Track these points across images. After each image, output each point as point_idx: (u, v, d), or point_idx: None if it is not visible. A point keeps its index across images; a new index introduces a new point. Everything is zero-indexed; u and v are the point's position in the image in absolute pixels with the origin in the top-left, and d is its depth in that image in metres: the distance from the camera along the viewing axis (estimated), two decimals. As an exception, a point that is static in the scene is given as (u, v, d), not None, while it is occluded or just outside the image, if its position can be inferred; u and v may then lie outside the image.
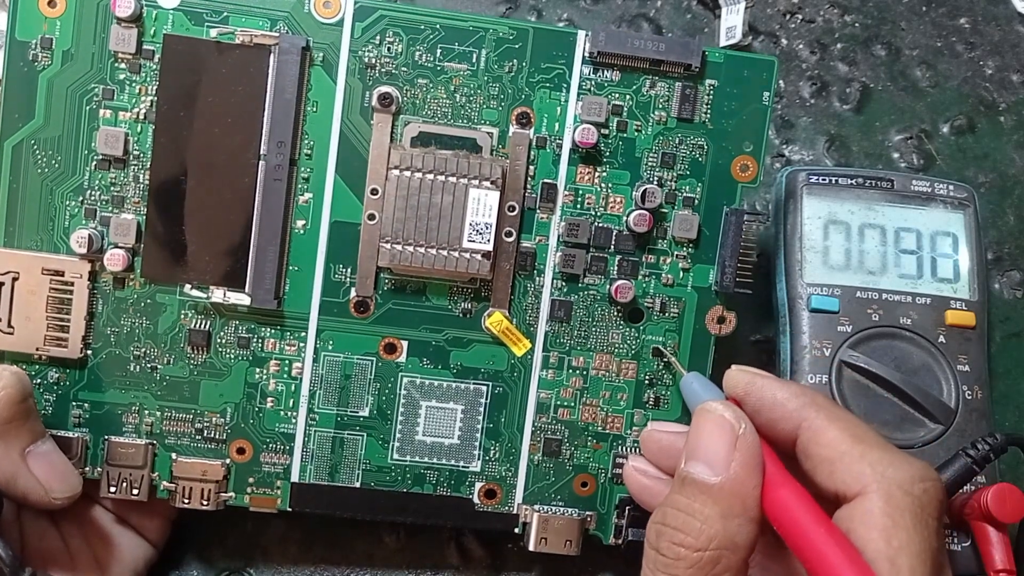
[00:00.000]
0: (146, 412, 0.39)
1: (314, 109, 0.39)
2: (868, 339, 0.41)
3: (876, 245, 0.42)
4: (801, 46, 0.46)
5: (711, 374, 0.41)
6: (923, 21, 0.46)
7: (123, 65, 0.38)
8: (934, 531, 0.30)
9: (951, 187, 0.43)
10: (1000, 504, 0.37)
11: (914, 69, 0.46)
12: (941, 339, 0.41)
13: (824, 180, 0.43)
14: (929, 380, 0.41)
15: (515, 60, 0.39)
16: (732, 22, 0.44)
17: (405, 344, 0.40)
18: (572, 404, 0.41)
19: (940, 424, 0.41)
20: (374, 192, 0.39)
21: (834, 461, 0.32)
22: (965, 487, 0.38)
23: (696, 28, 0.47)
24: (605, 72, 0.39)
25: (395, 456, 0.40)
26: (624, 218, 0.40)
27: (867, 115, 0.47)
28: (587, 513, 0.41)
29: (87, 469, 0.39)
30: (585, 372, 0.41)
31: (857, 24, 0.46)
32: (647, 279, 0.40)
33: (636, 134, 0.40)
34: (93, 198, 0.39)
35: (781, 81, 0.47)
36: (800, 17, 0.46)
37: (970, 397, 0.41)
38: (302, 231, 0.39)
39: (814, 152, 0.46)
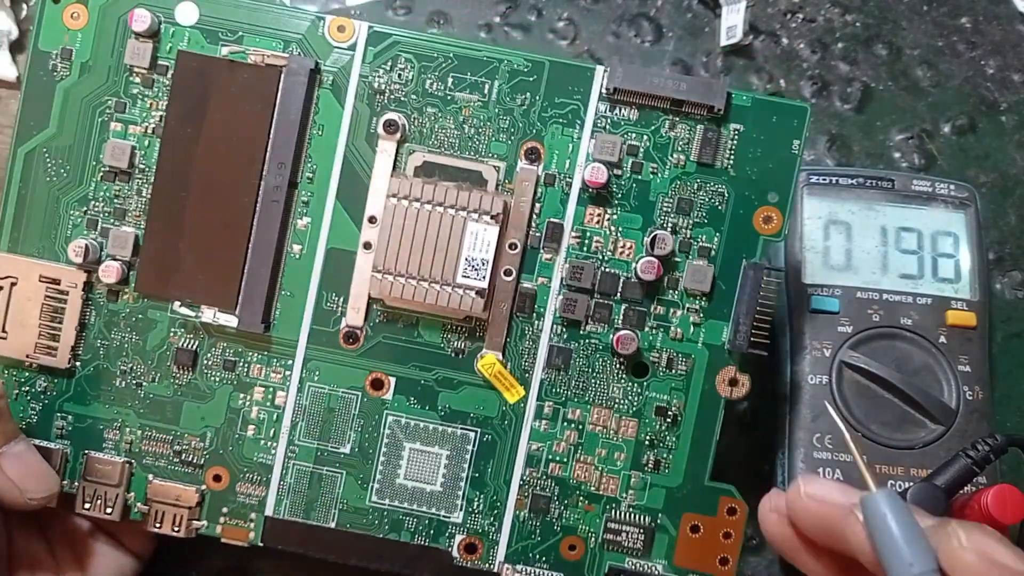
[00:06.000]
0: (127, 429, 0.39)
1: (319, 133, 0.38)
2: (869, 339, 0.40)
3: (877, 245, 0.42)
4: (802, 45, 0.46)
5: (719, 439, 0.38)
6: (924, 21, 0.46)
7: (137, 79, 0.38)
8: None
9: (952, 187, 0.42)
10: (1000, 505, 0.35)
11: (915, 69, 0.46)
12: (942, 339, 0.41)
13: (825, 180, 0.42)
14: (930, 381, 0.40)
15: (528, 93, 0.38)
16: (733, 21, 0.43)
17: (393, 380, 0.38)
18: (565, 460, 0.38)
19: (941, 425, 0.40)
20: (372, 220, 0.38)
21: None
22: (965, 488, 0.37)
23: (697, 27, 0.46)
24: (622, 110, 0.37)
25: (373, 498, 0.38)
26: (633, 265, 0.37)
27: (868, 115, 0.46)
28: (574, 580, 0.38)
29: (66, 483, 0.38)
30: (581, 426, 0.38)
31: (858, 23, 0.46)
32: (654, 331, 0.38)
33: (652, 176, 0.37)
34: (96, 209, 0.38)
35: (782, 80, 0.46)
36: (801, 16, 0.46)
37: (971, 398, 0.40)
38: (298, 256, 0.38)
39: (815, 152, 0.46)
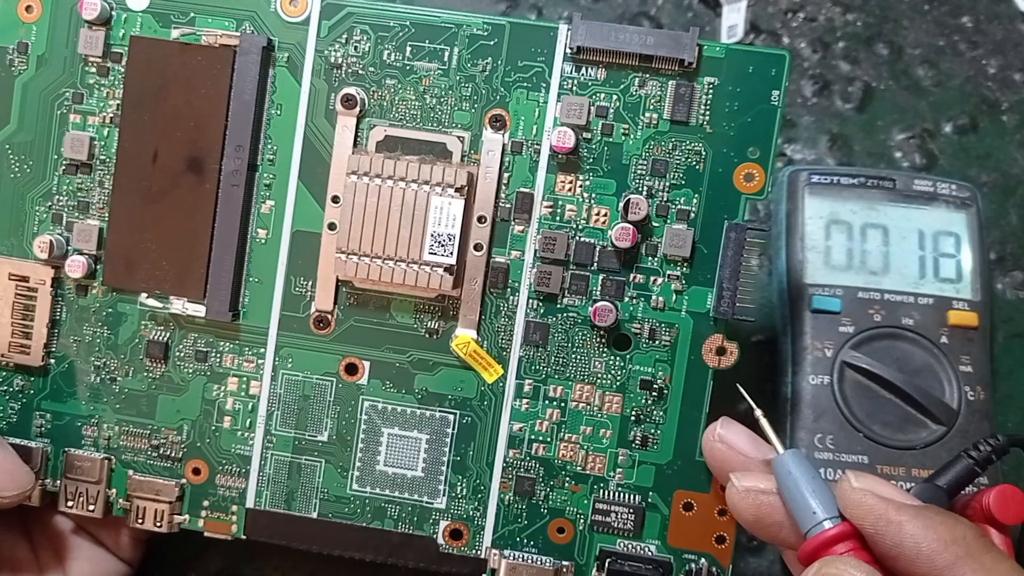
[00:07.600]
0: (105, 425, 0.38)
1: (278, 112, 0.37)
2: (870, 340, 0.40)
3: (878, 245, 0.41)
4: (803, 44, 0.45)
5: (708, 412, 0.36)
6: (925, 20, 0.45)
7: (92, 69, 0.37)
8: None
9: (954, 186, 0.42)
10: (1002, 505, 0.35)
11: (916, 68, 0.45)
12: (943, 339, 0.40)
13: (826, 180, 0.42)
14: (931, 381, 0.40)
15: (490, 58, 0.36)
16: (733, 20, 0.42)
17: (367, 365, 0.37)
18: (548, 439, 0.36)
19: (942, 425, 0.39)
20: (335, 200, 0.36)
21: None
22: (967, 488, 0.36)
23: (698, 26, 0.44)
24: (589, 70, 0.35)
25: (354, 486, 0.37)
26: (608, 232, 0.36)
27: (869, 114, 0.45)
28: (563, 563, 0.36)
29: (47, 482, 0.38)
30: (563, 404, 0.36)
31: (859, 23, 0.45)
32: (635, 301, 0.36)
33: (623, 138, 0.35)
34: (60, 203, 0.38)
35: (782, 79, 0.44)
36: (802, 15, 0.45)
37: (972, 398, 0.40)
38: (263, 241, 0.37)
39: (816, 151, 0.45)
